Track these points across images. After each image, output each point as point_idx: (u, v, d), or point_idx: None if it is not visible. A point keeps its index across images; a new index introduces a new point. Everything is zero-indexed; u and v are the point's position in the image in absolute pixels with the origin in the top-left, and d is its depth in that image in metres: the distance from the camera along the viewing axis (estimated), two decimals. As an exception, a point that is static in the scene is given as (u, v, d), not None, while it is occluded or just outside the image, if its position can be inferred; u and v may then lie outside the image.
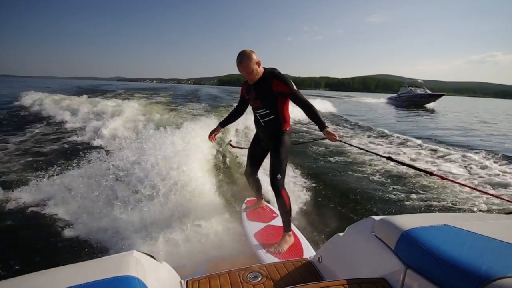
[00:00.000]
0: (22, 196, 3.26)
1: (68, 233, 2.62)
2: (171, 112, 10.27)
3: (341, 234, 1.30)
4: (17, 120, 8.83)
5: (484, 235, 0.84)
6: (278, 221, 2.43)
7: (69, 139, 6.49)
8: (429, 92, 30.44)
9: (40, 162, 4.58)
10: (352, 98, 46.63)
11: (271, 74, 2.08)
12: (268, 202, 2.92)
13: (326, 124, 2.01)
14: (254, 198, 2.83)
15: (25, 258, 2.29)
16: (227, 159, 5.06)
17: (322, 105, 17.22)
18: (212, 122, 6.05)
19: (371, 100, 40.12)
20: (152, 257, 0.98)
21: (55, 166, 3.83)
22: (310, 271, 1.40)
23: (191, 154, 3.67)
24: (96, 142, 6.21)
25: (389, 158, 1.98)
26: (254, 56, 2.01)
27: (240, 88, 2.38)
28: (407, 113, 20.09)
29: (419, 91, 30.86)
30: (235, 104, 2.50)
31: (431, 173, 1.77)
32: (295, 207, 3.04)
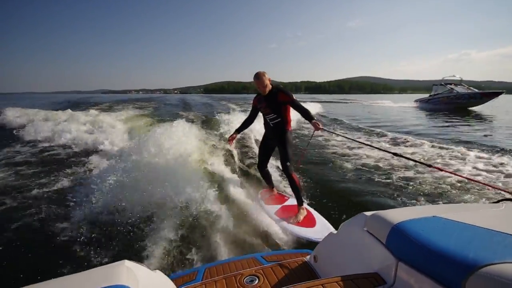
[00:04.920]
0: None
1: (57, 245, 2.55)
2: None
3: (335, 232, 1.31)
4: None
5: (472, 224, 0.85)
6: (290, 202, 3.11)
7: (57, 152, 6.34)
8: (476, 90, 22.64)
9: (26, 176, 4.46)
10: (358, 101, 38.50)
11: (278, 89, 2.84)
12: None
13: (315, 118, 2.72)
14: (266, 189, 3.44)
15: (14, 271, 2.22)
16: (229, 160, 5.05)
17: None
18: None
19: (391, 104, 30.75)
20: (145, 265, 0.96)
21: (44, 178, 3.76)
22: (306, 271, 1.40)
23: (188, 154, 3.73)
24: (90, 154, 6.10)
25: (395, 154, 2.20)
26: (267, 75, 2.80)
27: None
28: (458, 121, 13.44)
29: (460, 89, 23.30)
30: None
31: (429, 165, 1.90)
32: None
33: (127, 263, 0.84)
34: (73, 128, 7.92)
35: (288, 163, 2.81)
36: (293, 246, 2.52)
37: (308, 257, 1.52)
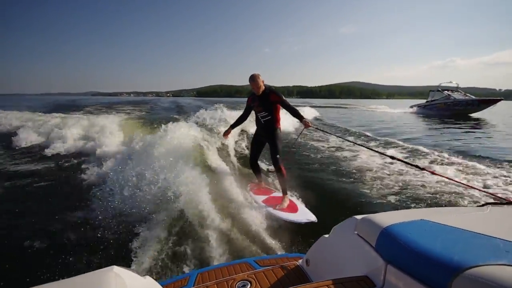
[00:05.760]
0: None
1: (44, 250, 2.48)
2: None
3: (326, 235, 1.32)
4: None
5: (457, 228, 0.87)
6: (275, 194, 3.48)
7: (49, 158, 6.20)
8: (473, 97, 22.44)
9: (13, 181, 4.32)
10: (354, 107, 37.07)
11: (270, 90, 3.22)
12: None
13: (304, 117, 3.04)
14: (255, 182, 3.82)
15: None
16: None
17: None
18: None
19: (389, 110, 30.16)
20: (135, 271, 0.94)
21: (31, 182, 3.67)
22: (298, 274, 1.40)
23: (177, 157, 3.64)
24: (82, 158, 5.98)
25: (392, 157, 2.33)
26: (261, 77, 3.15)
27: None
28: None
29: (457, 95, 23.26)
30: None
31: (422, 168, 2.02)
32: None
33: (115, 269, 0.82)
34: (67, 132, 7.67)
35: (278, 156, 3.17)
36: (287, 250, 2.52)
37: (300, 261, 1.52)
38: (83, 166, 5.06)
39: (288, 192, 3.27)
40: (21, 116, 11.06)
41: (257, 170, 3.75)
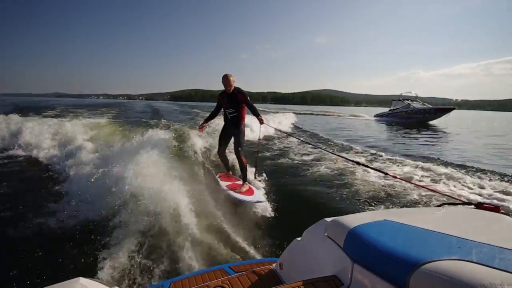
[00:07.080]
0: None
1: (2, 261, 2.28)
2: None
3: (299, 238, 1.36)
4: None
5: (416, 226, 0.95)
6: (240, 181, 4.05)
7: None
8: (430, 106, 24.61)
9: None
10: (332, 114, 36.48)
11: (238, 90, 3.68)
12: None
13: (261, 115, 3.72)
14: (223, 171, 4.41)
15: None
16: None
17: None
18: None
19: (369, 118, 30.80)
20: (102, 283, 0.90)
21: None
22: (272, 278, 1.42)
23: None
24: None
25: (357, 163, 2.41)
26: (232, 77, 3.62)
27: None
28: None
29: (416, 104, 25.33)
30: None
31: (386, 173, 2.13)
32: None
33: (82, 280, 0.80)
34: (31, 136, 6.90)
35: (240, 148, 3.71)
36: (262, 255, 2.53)
37: (274, 265, 1.55)
38: (48, 172, 4.71)
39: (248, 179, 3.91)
40: None
41: (225, 160, 4.26)
